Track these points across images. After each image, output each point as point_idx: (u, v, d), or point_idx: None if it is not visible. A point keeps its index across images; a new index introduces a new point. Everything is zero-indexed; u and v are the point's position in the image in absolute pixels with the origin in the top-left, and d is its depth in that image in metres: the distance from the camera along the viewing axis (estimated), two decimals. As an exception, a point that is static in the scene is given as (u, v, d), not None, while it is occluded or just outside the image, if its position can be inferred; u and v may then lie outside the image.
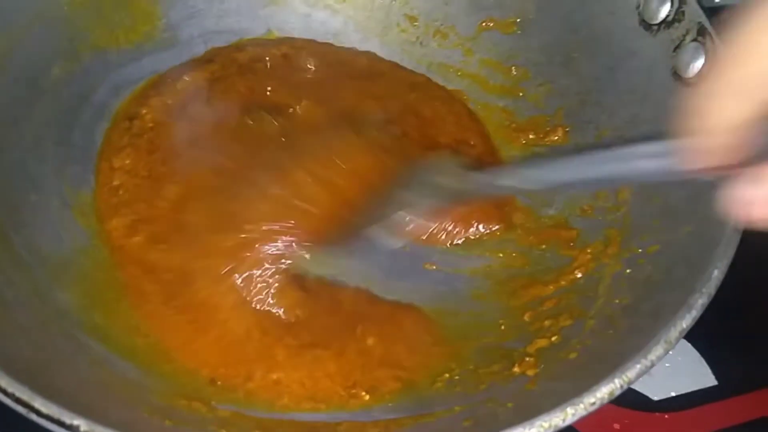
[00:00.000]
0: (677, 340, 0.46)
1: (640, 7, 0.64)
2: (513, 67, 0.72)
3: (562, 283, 0.60)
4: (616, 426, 0.61)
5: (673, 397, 0.64)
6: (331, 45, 0.75)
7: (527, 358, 0.53)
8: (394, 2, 0.75)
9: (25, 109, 0.60)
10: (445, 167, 0.58)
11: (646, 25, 0.64)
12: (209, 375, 0.52)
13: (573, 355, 0.52)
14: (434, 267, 0.63)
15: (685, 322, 0.46)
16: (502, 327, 0.58)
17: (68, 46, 0.64)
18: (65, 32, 0.64)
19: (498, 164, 0.68)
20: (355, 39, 0.75)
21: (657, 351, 0.45)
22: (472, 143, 0.70)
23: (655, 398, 0.64)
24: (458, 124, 0.70)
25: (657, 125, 0.62)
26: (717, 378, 0.65)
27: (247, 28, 0.74)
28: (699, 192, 0.55)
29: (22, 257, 0.54)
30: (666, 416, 0.63)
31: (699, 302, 0.47)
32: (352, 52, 0.74)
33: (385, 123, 0.67)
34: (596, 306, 0.55)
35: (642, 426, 0.62)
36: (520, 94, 0.72)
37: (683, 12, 0.61)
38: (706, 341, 0.66)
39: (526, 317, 0.58)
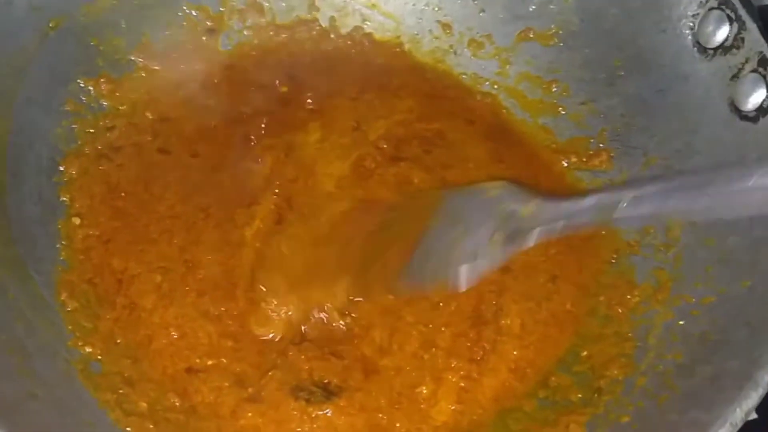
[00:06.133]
0: (743, 422, 0.44)
1: (695, 28, 0.60)
2: (553, 83, 0.68)
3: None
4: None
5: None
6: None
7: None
8: (426, 8, 0.71)
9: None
10: (507, 195, 0.55)
11: (701, 48, 0.60)
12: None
13: (625, 419, 0.50)
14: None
15: (751, 401, 0.44)
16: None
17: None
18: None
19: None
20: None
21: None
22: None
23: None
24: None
25: (711, 157, 0.59)
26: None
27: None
28: (761, 242, 0.52)
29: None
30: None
31: (766, 379, 0.45)
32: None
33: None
34: (647, 359, 0.53)
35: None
36: (561, 112, 0.68)
37: (743, 38, 0.57)
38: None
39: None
